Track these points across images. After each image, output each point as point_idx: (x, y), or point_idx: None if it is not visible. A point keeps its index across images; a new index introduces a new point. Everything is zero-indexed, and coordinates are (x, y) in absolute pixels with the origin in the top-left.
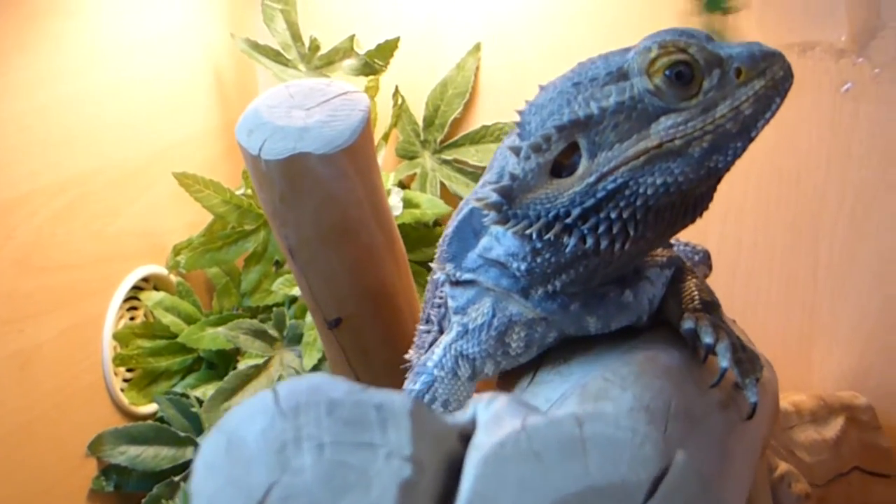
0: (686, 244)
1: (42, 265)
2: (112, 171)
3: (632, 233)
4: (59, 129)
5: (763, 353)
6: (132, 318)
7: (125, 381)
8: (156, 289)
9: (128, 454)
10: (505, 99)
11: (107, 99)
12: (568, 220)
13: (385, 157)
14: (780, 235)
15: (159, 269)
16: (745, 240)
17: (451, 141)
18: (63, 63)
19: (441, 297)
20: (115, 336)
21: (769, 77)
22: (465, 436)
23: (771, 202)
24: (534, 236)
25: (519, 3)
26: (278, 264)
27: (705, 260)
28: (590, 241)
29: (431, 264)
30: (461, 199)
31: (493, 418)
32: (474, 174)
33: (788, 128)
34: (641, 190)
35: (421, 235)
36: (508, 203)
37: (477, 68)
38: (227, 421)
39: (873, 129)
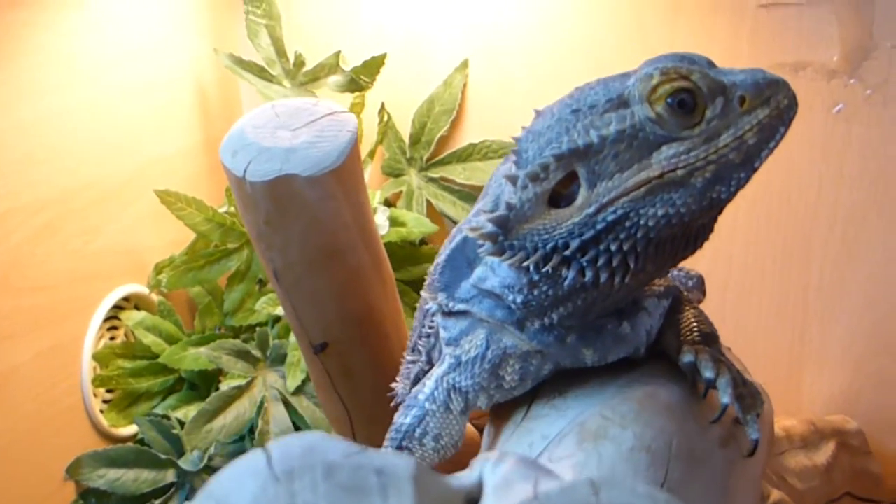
0: (679, 269)
1: (20, 285)
2: (93, 188)
3: (632, 266)
4: (39, 147)
5: (753, 375)
6: (112, 339)
7: (105, 402)
8: (137, 308)
9: (107, 477)
10: (493, 116)
11: (87, 115)
12: (567, 253)
13: (371, 174)
14: (771, 257)
15: (140, 289)
16: (735, 261)
17: (437, 158)
18: (42, 78)
19: (431, 328)
20: (95, 357)
21: (774, 106)
22: (472, 500)
23: (762, 223)
24: (531, 268)
25: (508, 19)
26: (262, 283)
27: (699, 285)
28: (589, 275)
29: (423, 293)
30: (448, 217)
31: (501, 482)
32: (461, 192)
33: (779, 148)
34: (642, 221)
35: (407, 254)
36: (504, 233)
37: (464, 85)
38: (215, 485)
39: (865, 151)
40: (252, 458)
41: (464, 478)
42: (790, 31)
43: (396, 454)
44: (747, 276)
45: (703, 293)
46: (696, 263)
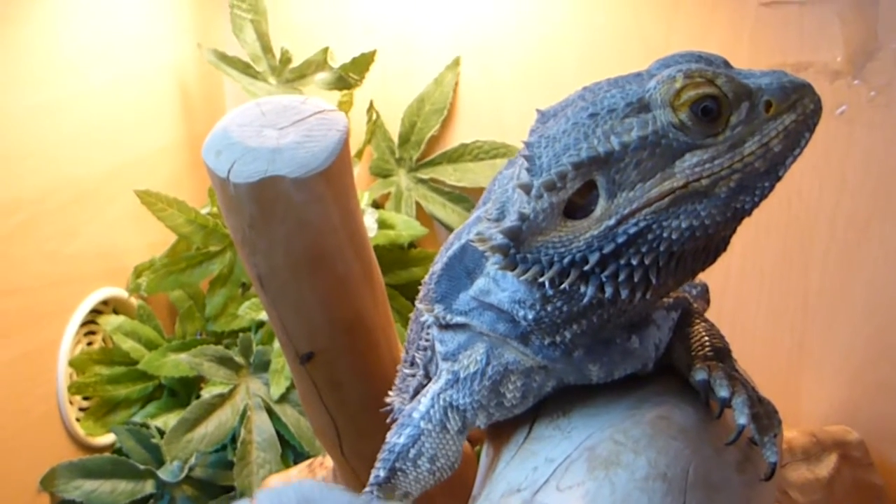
0: None
1: None
2: (69, 188)
3: (654, 281)
4: (13, 144)
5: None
6: (90, 344)
7: (81, 410)
8: (115, 312)
9: (83, 489)
10: (485, 116)
11: (64, 112)
12: (585, 268)
13: (358, 174)
14: (770, 262)
15: (119, 292)
16: (732, 267)
17: (427, 159)
18: (17, 73)
19: (427, 340)
20: (72, 363)
21: (800, 111)
22: None
23: (760, 228)
24: (546, 284)
25: (501, 15)
26: (245, 287)
27: (703, 294)
28: (609, 290)
29: (417, 304)
30: (438, 220)
31: None
32: (452, 194)
33: None
34: (665, 234)
35: (395, 258)
36: (516, 246)
37: (456, 83)
38: None
39: (868, 155)
40: None
41: None
42: (792, 30)
43: None
44: (745, 282)
45: (707, 302)
46: None
